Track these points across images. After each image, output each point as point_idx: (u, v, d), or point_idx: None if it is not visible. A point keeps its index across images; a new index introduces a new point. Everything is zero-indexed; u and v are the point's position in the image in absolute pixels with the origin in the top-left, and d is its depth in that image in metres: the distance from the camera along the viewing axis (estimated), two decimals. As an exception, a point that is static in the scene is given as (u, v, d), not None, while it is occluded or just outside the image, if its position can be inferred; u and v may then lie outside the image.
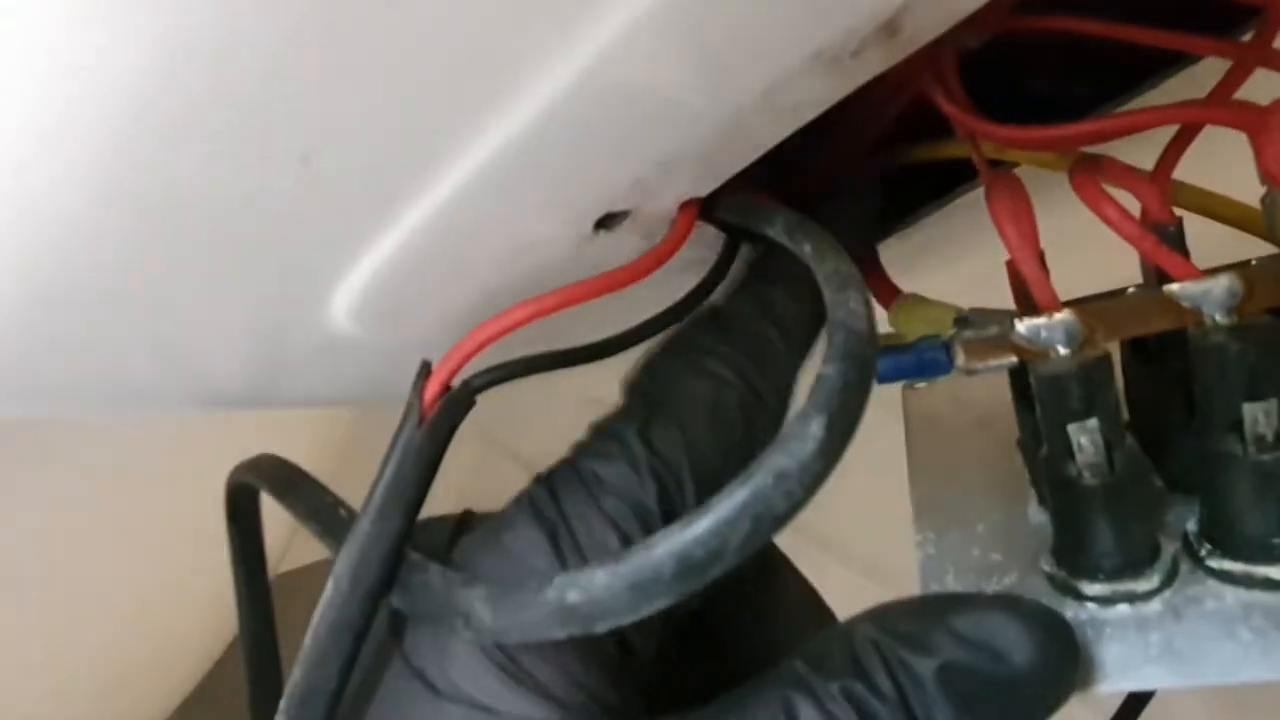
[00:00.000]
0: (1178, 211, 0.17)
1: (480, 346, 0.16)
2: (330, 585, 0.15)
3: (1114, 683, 0.15)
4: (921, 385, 0.28)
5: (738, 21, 0.12)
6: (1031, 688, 0.14)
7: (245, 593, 0.22)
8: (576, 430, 0.18)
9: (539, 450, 0.18)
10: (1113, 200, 0.16)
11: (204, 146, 0.11)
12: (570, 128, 0.13)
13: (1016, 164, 0.21)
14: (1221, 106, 0.16)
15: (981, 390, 0.25)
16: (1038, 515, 0.19)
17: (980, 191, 0.21)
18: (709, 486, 0.16)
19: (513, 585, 0.13)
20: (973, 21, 0.19)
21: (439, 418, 0.15)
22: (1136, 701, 0.24)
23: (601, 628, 0.13)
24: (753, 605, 0.21)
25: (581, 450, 0.17)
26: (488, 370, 0.16)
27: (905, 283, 0.21)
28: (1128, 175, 0.17)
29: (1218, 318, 0.15)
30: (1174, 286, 0.15)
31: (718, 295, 0.18)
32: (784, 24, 0.12)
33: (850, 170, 0.22)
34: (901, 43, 0.13)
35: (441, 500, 0.17)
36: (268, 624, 0.22)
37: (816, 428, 0.12)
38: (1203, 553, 0.16)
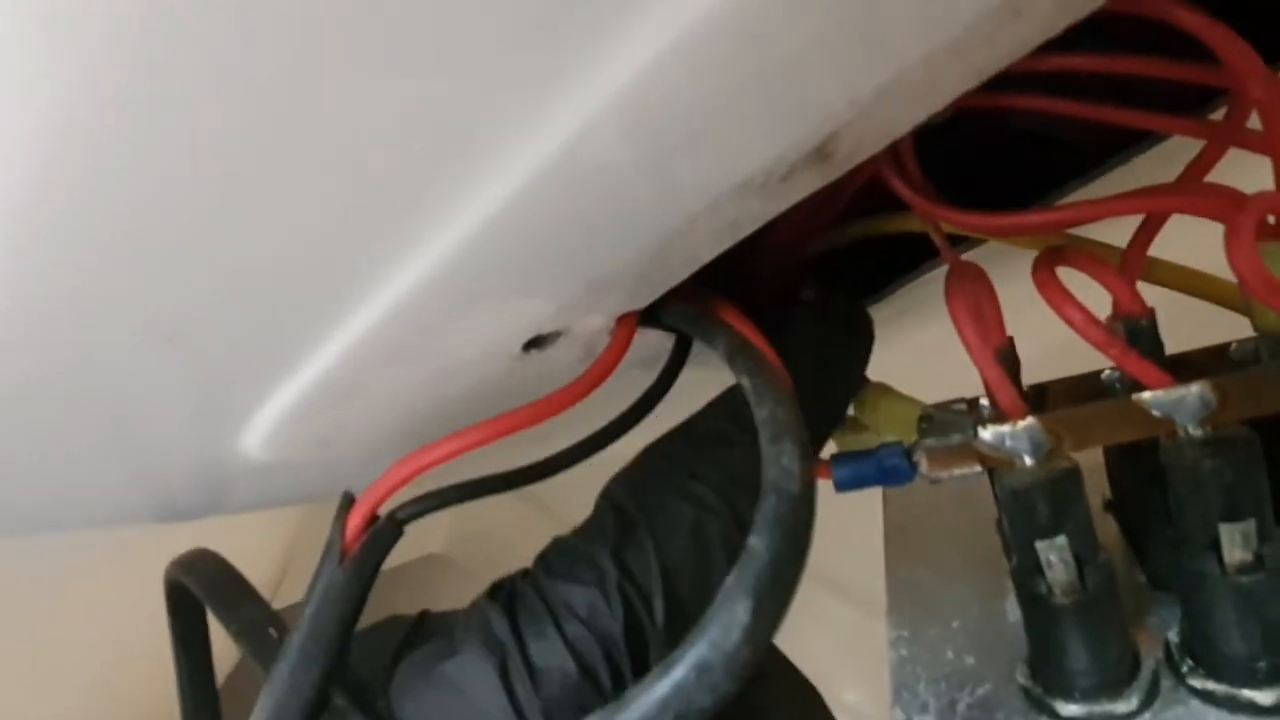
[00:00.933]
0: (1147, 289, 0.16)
1: (403, 482, 0.15)
2: None
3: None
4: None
5: (659, 159, 0.11)
6: None
7: (190, 692, 0.21)
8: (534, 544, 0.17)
9: (497, 565, 0.17)
10: (1075, 302, 0.15)
11: (70, 332, 0.10)
12: (488, 257, 0.12)
13: (983, 240, 0.20)
14: (1192, 194, 0.16)
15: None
16: (1015, 612, 0.18)
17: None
18: (680, 614, 0.15)
19: None
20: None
21: (363, 554, 0.15)
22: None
23: None
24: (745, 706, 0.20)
25: (548, 568, 0.16)
26: (417, 500, 0.15)
27: (876, 349, 0.20)
28: (1094, 266, 0.16)
29: (1190, 429, 0.14)
30: (1145, 395, 0.14)
31: (712, 413, 0.17)
32: (712, 157, 0.11)
33: (805, 246, 0.21)
34: (836, 164, 0.12)
35: (431, 532, 0.16)
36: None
37: (742, 613, 0.11)
38: (1185, 669, 0.15)
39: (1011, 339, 0.17)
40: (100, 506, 0.17)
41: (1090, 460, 0.18)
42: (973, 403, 0.17)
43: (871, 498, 0.23)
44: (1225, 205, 0.15)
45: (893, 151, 0.18)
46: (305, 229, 0.10)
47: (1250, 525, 0.14)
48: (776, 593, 0.11)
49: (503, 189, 0.11)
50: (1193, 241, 0.18)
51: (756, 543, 0.11)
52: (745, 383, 0.13)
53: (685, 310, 0.15)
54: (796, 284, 0.22)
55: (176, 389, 0.12)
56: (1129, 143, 0.18)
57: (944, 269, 0.21)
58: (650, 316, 0.16)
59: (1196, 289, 0.18)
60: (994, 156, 0.19)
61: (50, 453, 0.14)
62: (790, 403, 0.13)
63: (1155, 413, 0.14)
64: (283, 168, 0.09)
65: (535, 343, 0.15)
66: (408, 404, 0.15)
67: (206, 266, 0.10)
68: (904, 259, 0.22)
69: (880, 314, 0.23)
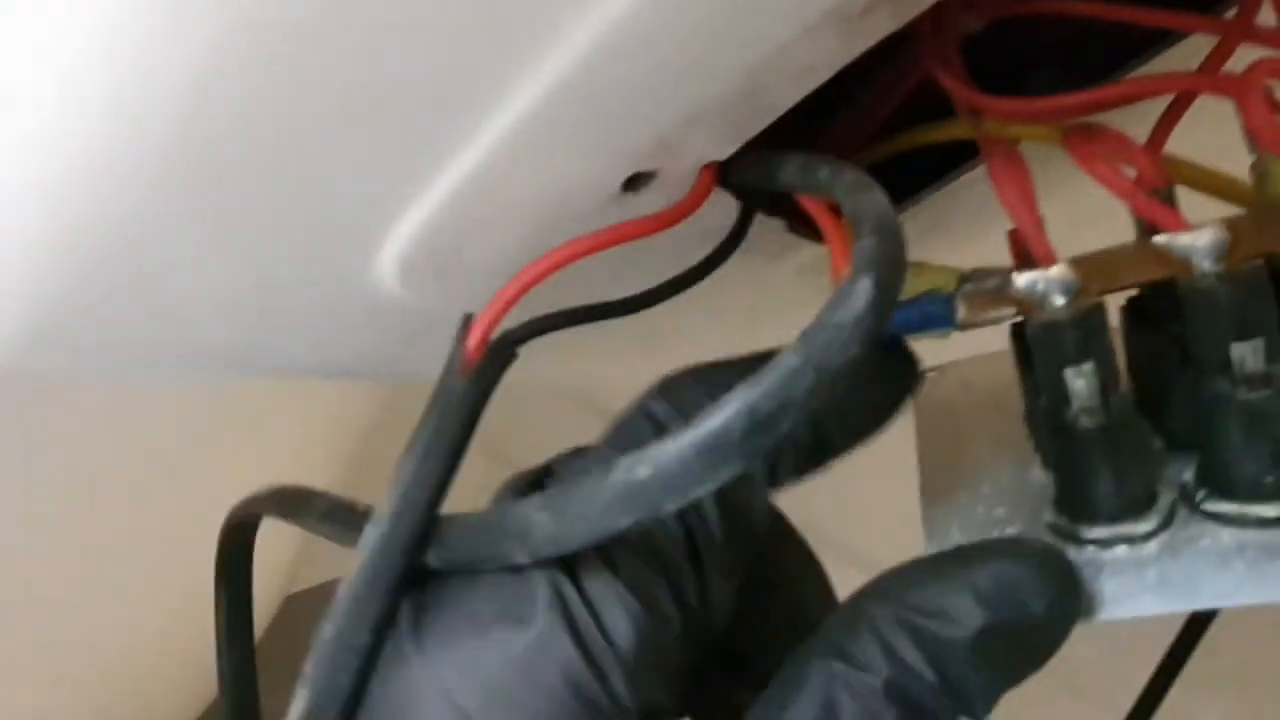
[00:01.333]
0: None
1: (521, 292, 0.17)
2: (369, 533, 0.14)
3: (1110, 611, 0.15)
4: (932, 374, 0.29)
5: None
6: (1048, 629, 0.15)
7: (229, 649, 0.21)
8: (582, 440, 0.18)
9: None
10: (1106, 160, 0.17)
11: (257, 100, 0.12)
12: (602, 81, 0.14)
13: (1018, 140, 0.22)
14: (1210, 76, 0.18)
15: (992, 376, 0.26)
16: (1041, 477, 0.20)
17: (983, 180, 0.23)
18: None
19: (572, 483, 0.13)
20: (972, 5, 0.20)
21: (482, 366, 0.16)
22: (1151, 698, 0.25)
23: (670, 505, 0.12)
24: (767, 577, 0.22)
25: None
26: (526, 324, 0.17)
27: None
28: (1121, 143, 0.18)
29: (1206, 266, 0.16)
30: (1163, 238, 0.16)
31: None
32: None
33: (857, 153, 0.23)
34: (907, 4, 0.14)
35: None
36: (250, 689, 0.21)
37: (866, 284, 0.12)
38: (1199, 497, 0.17)
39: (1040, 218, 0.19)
40: (250, 343, 0.19)
41: None
42: (1004, 269, 0.19)
43: (893, 473, 0.25)
44: (1239, 82, 0.17)
45: (938, 51, 0.20)
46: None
47: (1259, 343, 0.15)
48: (891, 274, 0.13)
49: (611, 4, 0.13)
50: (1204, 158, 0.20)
51: (865, 241, 0.13)
52: (824, 173, 0.15)
53: (753, 158, 0.17)
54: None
55: (348, 166, 0.14)
56: (1150, 45, 0.20)
57: (975, 190, 0.23)
58: (724, 177, 0.18)
59: (1209, 185, 0.20)
60: (1025, 67, 0.21)
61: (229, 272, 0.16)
62: (870, 178, 0.14)
63: (1174, 255, 0.16)
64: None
65: (632, 183, 0.17)
66: (516, 238, 0.17)
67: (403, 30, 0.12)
68: (937, 170, 0.24)
69: (916, 223, 0.25)
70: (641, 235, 0.17)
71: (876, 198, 0.14)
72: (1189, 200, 0.19)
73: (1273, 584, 0.15)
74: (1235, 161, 0.19)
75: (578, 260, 0.16)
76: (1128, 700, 0.32)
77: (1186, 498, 0.17)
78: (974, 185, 0.24)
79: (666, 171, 0.17)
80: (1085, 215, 0.20)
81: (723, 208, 0.20)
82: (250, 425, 0.40)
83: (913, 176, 0.24)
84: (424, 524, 0.14)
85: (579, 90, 0.14)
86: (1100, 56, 0.21)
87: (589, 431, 0.19)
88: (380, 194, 0.15)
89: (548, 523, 0.13)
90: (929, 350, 0.23)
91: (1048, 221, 0.19)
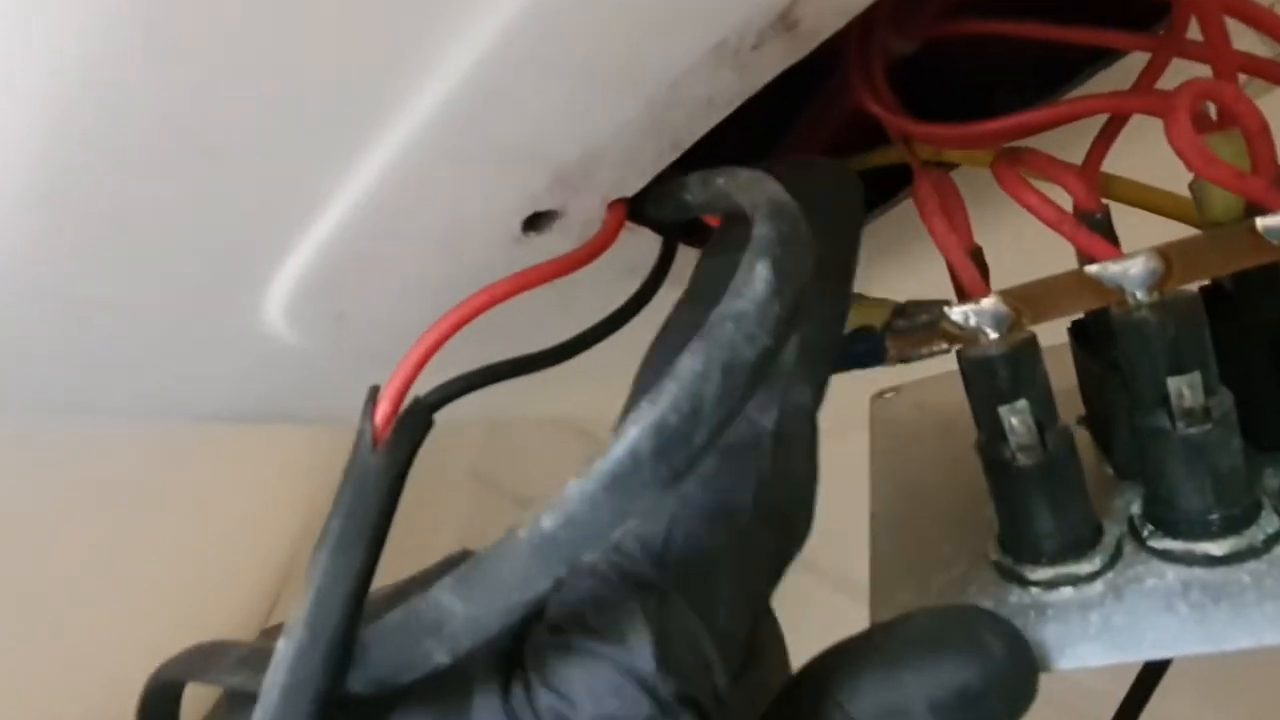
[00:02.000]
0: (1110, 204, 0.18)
1: (426, 355, 0.16)
2: (282, 643, 0.12)
3: (1052, 662, 0.15)
4: (889, 395, 0.28)
5: (637, 16, 0.13)
6: (1004, 705, 0.14)
7: None
8: (572, 466, 0.18)
9: (536, 490, 0.18)
10: (1032, 187, 0.16)
11: (120, 157, 0.12)
12: (482, 116, 0.13)
13: (955, 165, 0.21)
14: (1136, 94, 0.17)
15: (947, 397, 0.26)
16: (992, 511, 0.19)
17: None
18: None
19: (480, 553, 0.12)
20: (901, 28, 0.20)
21: (395, 439, 0.14)
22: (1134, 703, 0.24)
23: (590, 550, 0.11)
24: None
25: None
26: (442, 386, 0.16)
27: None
28: (1052, 166, 0.17)
29: (1139, 295, 0.15)
30: (1094, 267, 0.16)
31: None
32: (682, 18, 0.13)
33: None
34: (802, 36, 0.14)
35: (442, 547, 0.16)
36: None
37: (762, 270, 0.11)
38: (1145, 533, 0.16)
39: (979, 247, 0.19)
40: (142, 390, 0.18)
41: (1065, 384, 0.19)
42: (939, 302, 0.18)
43: (856, 484, 0.24)
44: (1164, 101, 0.16)
45: (866, 74, 0.19)
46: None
47: (1196, 378, 0.15)
48: (789, 259, 0.11)
49: (489, 32, 0.12)
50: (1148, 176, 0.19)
51: (759, 229, 0.12)
52: (719, 181, 0.14)
53: (659, 188, 0.17)
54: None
55: (210, 222, 0.14)
56: (1087, 63, 0.20)
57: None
58: (637, 212, 0.18)
59: (1151, 203, 0.19)
60: (959, 87, 0.21)
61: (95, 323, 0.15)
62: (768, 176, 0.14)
63: (1106, 284, 0.16)
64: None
65: (534, 223, 0.16)
66: (415, 281, 0.17)
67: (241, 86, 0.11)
68: (883, 193, 0.23)
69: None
70: (550, 279, 0.16)
71: (769, 187, 0.13)
72: (1136, 221, 0.19)
73: (1217, 631, 0.14)
74: (1177, 167, 0.18)
75: (485, 311, 0.16)
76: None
77: (1134, 532, 0.16)
78: (910, 212, 0.23)
79: (570, 210, 0.16)
80: (1051, 236, 0.19)
81: (644, 242, 0.19)
82: (222, 461, 0.40)
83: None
84: (344, 635, 0.12)
85: (458, 125, 0.13)
86: (1036, 77, 0.21)
87: (578, 456, 0.18)
88: (259, 235, 0.14)
89: (459, 607, 0.11)
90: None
91: (1012, 243, 0.19)
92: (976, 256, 0.18)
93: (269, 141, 0.13)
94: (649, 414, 0.10)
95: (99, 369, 0.17)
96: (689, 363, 0.11)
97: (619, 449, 0.10)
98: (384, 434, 0.15)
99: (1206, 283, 0.18)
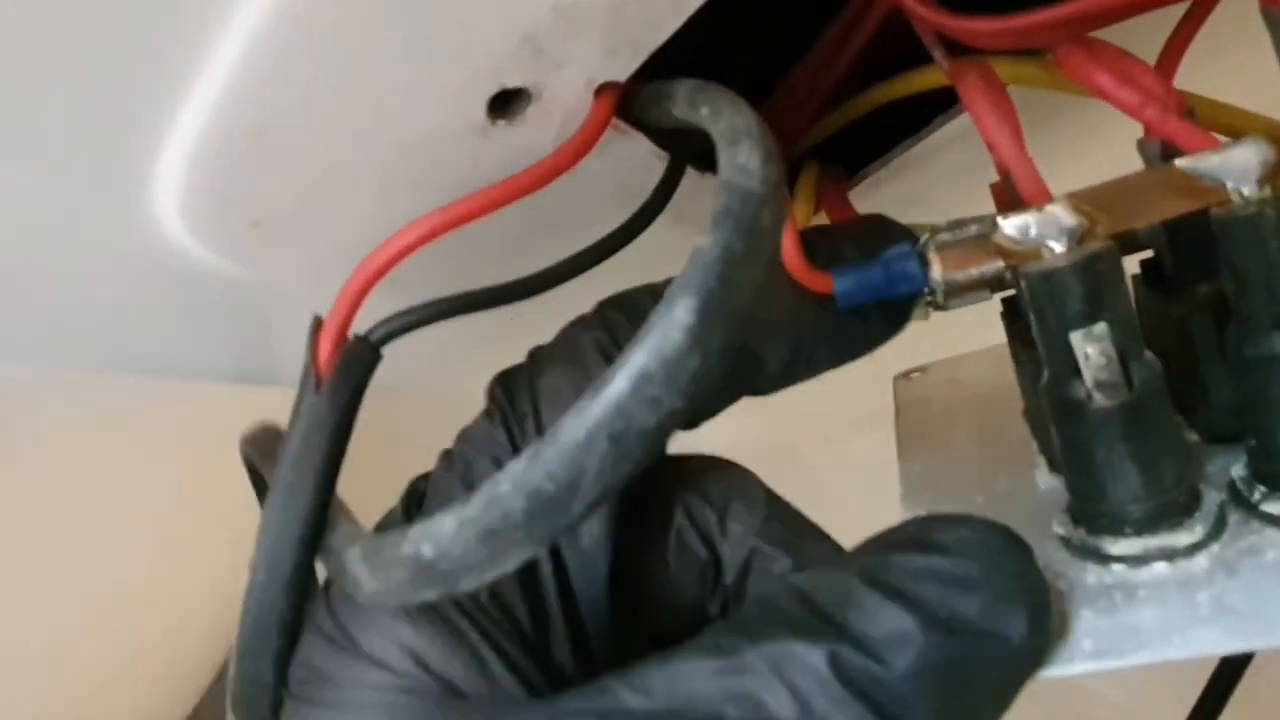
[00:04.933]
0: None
1: (366, 285, 0.13)
2: (249, 576, 0.13)
3: (1156, 651, 0.11)
4: (916, 375, 0.25)
5: None
6: (1008, 657, 0.11)
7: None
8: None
9: None
10: (1106, 69, 0.13)
11: None
12: None
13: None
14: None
15: (985, 374, 0.22)
16: (1048, 481, 0.16)
17: (958, 143, 0.19)
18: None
19: (380, 540, 0.11)
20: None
21: (338, 377, 0.13)
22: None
23: (467, 586, 0.10)
24: None
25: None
26: (390, 318, 0.14)
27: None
28: (1123, 59, 0.14)
29: (1245, 191, 0.12)
30: (1186, 160, 0.13)
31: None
32: None
33: (820, 107, 0.20)
34: None
35: None
36: None
37: (683, 313, 0.09)
38: (1255, 497, 0.13)
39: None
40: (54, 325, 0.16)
41: None
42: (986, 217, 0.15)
43: (874, 486, 0.21)
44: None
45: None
46: None
47: (1327, 287, 0.11)
48: (726, 292, 0.09)
49: None
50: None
51: (706, 240, 0.10)
52: (704, 111, 0.12)
53: (653, 86, 0.14)
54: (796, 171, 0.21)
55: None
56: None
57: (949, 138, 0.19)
58: (627, 109, 0.15)
59: (1236, 127, 0.16)
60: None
61: None
62: (751, 117, 0.11)
63: (1203, 180, 0.13)
64: None
65: (502, 105, 0.13)
66: (346, 180, 0.14)
67: None
68: (907, 127, 0.20)
69: (886, 194, 0.22)
70: (525, 192, 0.13)
71: (741, 155, 0.11)
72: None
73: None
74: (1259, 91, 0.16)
75: (441, 235, 0.13)
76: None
77: (1238, 498, 0.13)
78: (949, 147, 0.21)
79: (547, 89, 0.13)
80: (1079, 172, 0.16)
81: (642, 157, 0.16)
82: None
83: (881, 138, 0.21)
84: (297, 575, 0.13)
85: None
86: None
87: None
88: (114, 99, 0.11)
89: (366, 578, 0.11)
90: (913, 346, 0.19)
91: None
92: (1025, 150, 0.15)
93: None
94: (526, 473, 0.09)
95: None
96: (575, 426, 0.09)
97: (494, 503, 0.10)
98: (327, 373, 0.13)
99: None
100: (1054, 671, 0.11)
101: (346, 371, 0.13)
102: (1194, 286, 0.14)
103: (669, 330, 0.09)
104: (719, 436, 0.16)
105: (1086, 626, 0.12)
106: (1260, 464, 0.13)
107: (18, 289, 0.14)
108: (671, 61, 0.14)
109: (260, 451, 0.16)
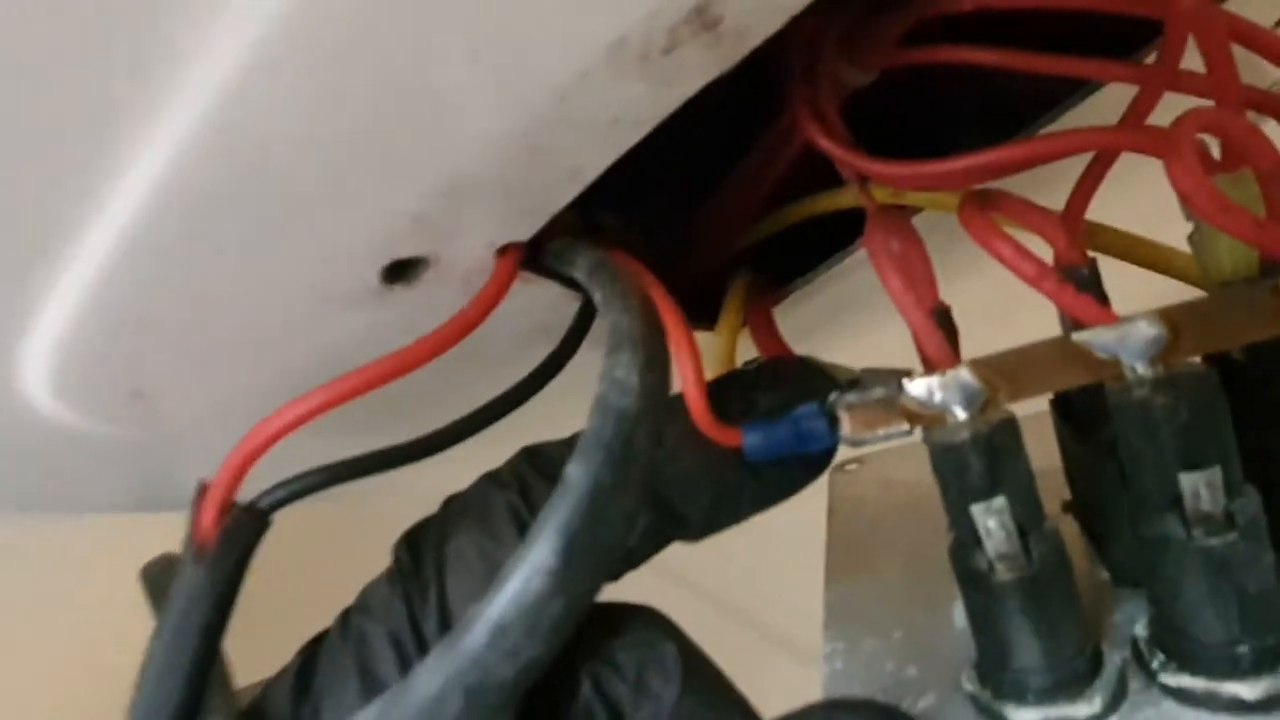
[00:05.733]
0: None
1: (251, 457, 0.13)
2: None
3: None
4: (851, 468, 0.25)
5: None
6: None
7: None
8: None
9: None
10: (1006, 236, 0.14)
11: None
12: (278, 122, 0.10)
13: (919, 209, 0.18)
14: (1129, 131, 0.14)
15: (916, 471, 0.23)
16: (963, 619, 0.16)
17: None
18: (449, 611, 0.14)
19: None
20: (854, 57, 0.17)
21: (220, 550, 0.13)
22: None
23: None
24: None
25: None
26: (281, 484, 0.14)
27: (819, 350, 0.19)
28: (1029, 212, 0.15)
29: (1139, 368, 0.12)
30: (1083, 334, 0.13)
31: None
32: (570, 6, 0.10)
33: (754, 215, 0.20)
34: (727, 38, 0.11)
35: None
36: None
37: (547, 555, 0.09)
38: (1155, 665, 0.13)
39: (947, 307, 0.16)
40: None
41: (1047, 464, 0.16)
42: (900, 371, 0.15)
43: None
44: (1165, 140, 0.13)
45: (814, 107, 0.17)
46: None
47: (1216, 474, 0.12)
48: (595, 530, 0.09)
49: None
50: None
51: (572, 470, 0.09)
52: (597, 296, 0.12)
53: (563, 244, 0.14)
54: (725, 281, 0.21)
55: None
56: (1064, 96, 0.17)
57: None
58: (535, 261, 0.15)
59: (1145, 258, 0.16)
60: (922, 124, 0.18)
61: None
62: (641, 314, 0.11)
63: (1098, 353, 0.13)
64: None
65: (398, 273, 0.13)
66: (230, 349, 0.13)
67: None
68: (837, 242, 0.20)
69: (816, 306, 0.22)
70: (419, 362, 0.13)
71: (619, 368, 0.10)
72: (1125, 276, 0.16)
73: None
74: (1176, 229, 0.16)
75: (325, 411, 0.12)
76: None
77: (1140, 661, 0.13)
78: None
79: (444, 256, 0.13)
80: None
81: (557, 297, 0.16)
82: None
83: (806, 252, 0.21)
84: None
85: (225, 141, 0.09)
86: (1020, 112, 0.18)
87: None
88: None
89: None
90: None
91: (989, 299, 0.16)
92: (943, 318, 0.15)
93: None
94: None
95: None
96: (426, 682, 0.09)
97: None
98: (210, 544, 0.13)
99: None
100: None
101: (230, 543, 0.13)
102: (1099, 428, 0.15)
103: (530, 576, 0.09)
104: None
105: (983, 805, 0.12)
106: (1160, 631, 0.13)
107: None
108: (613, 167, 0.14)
109: (155, 588, 0.15)
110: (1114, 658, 0.13)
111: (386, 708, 0.09)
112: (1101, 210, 0.16)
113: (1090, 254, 0.15)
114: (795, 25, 0.12)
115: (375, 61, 0.09)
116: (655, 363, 0.10)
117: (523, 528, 0.14)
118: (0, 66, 0.08)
